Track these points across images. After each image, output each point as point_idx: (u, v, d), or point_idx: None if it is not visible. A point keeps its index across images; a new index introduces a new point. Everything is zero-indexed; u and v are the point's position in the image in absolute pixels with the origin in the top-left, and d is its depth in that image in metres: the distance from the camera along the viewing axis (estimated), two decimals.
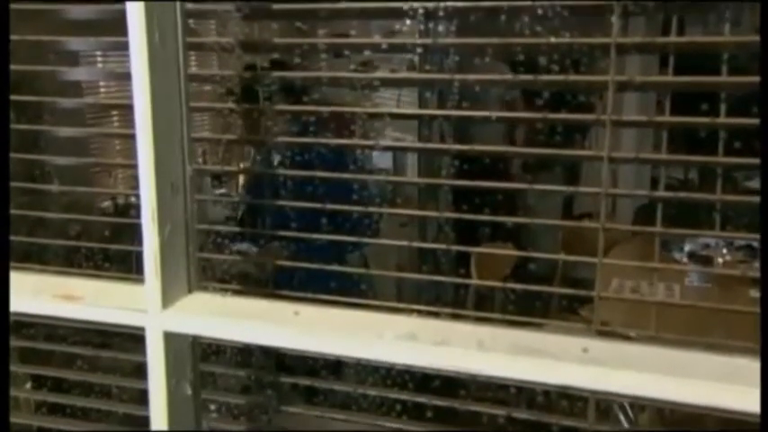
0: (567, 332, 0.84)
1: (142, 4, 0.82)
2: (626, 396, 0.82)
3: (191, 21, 0.93)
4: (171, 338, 0.91)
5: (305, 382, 1.11)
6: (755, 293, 2.09)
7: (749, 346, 0.76)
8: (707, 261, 2.68)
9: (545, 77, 0.87)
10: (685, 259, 2.74)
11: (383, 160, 3.89)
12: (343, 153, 1.79)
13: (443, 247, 1.03)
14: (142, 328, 0.91)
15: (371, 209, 1.11)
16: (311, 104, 1.07)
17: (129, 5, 0.83)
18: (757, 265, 2.52)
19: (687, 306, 0.95)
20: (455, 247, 0.99)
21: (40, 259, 1.28)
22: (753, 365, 0.73)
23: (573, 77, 0.86)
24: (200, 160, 2.75)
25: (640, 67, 2.63)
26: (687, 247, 2.77)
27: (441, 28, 0.90)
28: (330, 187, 1.10)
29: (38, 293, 0.97)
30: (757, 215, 0.78)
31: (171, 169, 0.90)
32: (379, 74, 1.25)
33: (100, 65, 2.55)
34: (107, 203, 2.95)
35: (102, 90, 2.84)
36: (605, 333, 0.91)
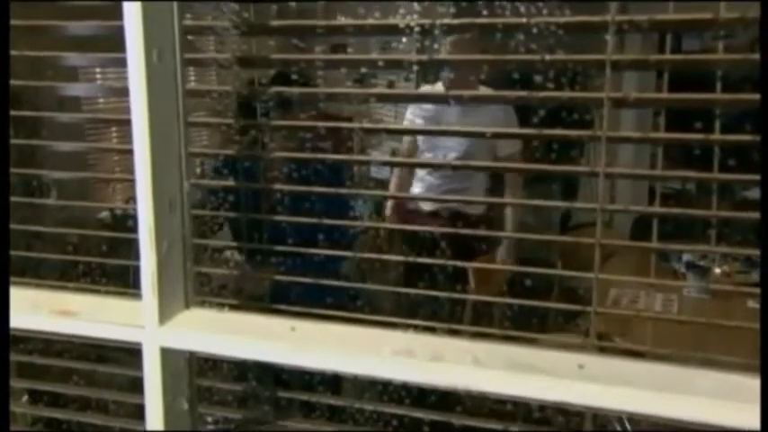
0: (562, 348, 0.84)
1: (140, 20, 0.83)
2: (622, 412, 0.81)
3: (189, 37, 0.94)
4: (168, 354, 0.91)
5: (302, 397, 1.10)
6: (754, 304, 2.09)
7: (748, 361, 0.76)
8: (705, 271, 2.67)
9: (540, 94, 0.87)
10: (683, 269, 2.73)
11: (381, 171, 3.91)
12: (340, 166, 1.80)
13: (440, 262, 1.03)
14: (139, 344, 0.91)
15: (368, 223, 1.11)
16: (309, 118, 1.08)
17: (126, 22, 0.83)
18: (755, 275, 2.52)
19: (685, 321, 0.95)
20: (451, 263, 1.00)
21: (36, 272, 1.28)
22: (751, 382, 0.73)
23: (568, 94, 0.87)
24: (198, 171, 2.74)
25: (638, 78, 2.64)
26: (685, 257, 2.76)
27: (436, 45, 0.90)
28: (326, 202, 1.10)
29: (34, 309, 0.97)
30: (754, 228, 0.78)
31: (168, 186, 0.90)
32: (377, 90, 1.25)
33: (99, 79, 2.56)
34: (104, 214, 2.96)
35: (101, 104, 2.85)
36: (603, 347, 0.91)
